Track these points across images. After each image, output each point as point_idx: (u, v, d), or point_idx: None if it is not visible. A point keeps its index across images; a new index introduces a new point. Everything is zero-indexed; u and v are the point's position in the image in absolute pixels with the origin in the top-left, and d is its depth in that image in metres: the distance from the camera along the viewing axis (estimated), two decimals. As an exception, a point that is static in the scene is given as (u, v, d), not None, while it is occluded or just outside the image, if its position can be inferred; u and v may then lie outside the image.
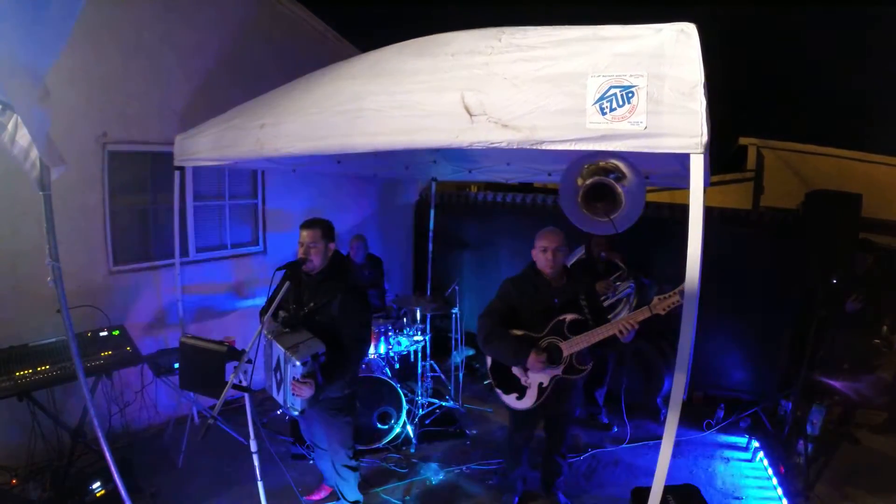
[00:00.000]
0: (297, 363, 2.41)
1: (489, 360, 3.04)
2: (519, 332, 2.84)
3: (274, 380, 2.69)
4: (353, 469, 2.95)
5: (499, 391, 3.03)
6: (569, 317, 2.78)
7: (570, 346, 2.73)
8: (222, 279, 4.73)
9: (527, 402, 2.90)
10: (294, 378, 2.46)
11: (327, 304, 2.68)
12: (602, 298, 3.33)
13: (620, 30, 1.71)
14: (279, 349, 2.54)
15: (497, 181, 5.16)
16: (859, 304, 4.10)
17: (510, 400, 2.97)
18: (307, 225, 2.74)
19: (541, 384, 2.85)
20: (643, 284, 4.13)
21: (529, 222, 5.72)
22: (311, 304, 2.71)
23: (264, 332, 2.68)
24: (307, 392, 2.47)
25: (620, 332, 2.59)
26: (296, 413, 2.61)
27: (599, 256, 4.18)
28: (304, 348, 2.48)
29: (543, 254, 2.82)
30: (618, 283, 4.09)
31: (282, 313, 2.73)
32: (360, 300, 2.78)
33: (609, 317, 2.82)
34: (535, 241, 2.87)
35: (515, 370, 2.88)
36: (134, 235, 4.16)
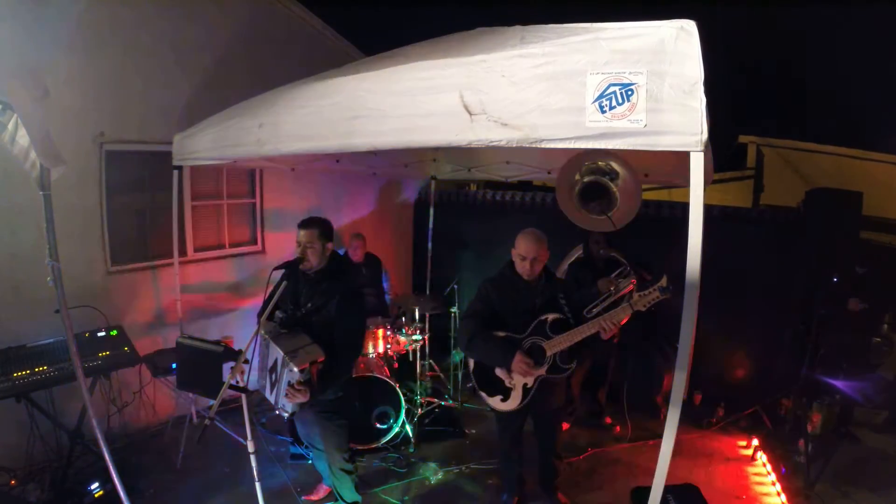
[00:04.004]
0: (296, 369, 2.39)
1: (472, 363, 3.02)
2: (501, 334, 2.81)
3: (269, 380, 2.67)
4: (350, 472, 2.94)
5: (482, 394, 3.00)
6: (550, 316, 2.77)
7: (553, 346, 2.73)
8: (221, 279, 4.72)
9: (512, 403, 2.89)
10: (290, 383, 2.44)
11: (325, 305, 2.66)
12: (605, 296, 3.31)
13: (620, 27, 1.70)
14: (278, 351, 2.51)
15: (496, 179, 5.15)
16: (863, 305, 4.10)
17: (495, 402, 2.96)
18: (304, 224, 2.72)
19: (525, 385, 2.84)
20: (644, 280, 4.12)
21: (529, 220, 5.69)
22: (309, 305, 2.69)
23: (261, 331, 2.67)
24: (301, 399, 2.45)
25: (603, 329, 2.59)
26: (286, 415, 2.59)
27: (599, 254, 4.17)
28: (304, 354, 2.45)
29: (522, 262, 2.78)
30: (620, 280, 4.07)
31: (279, 313, 2.72)
32: (358, 304, 2.77)
33: (589, 313, 2.81)
34: (515, 244, 2.82)
35: (499, 372, 2.86)
36: (132, 235, 4.15)
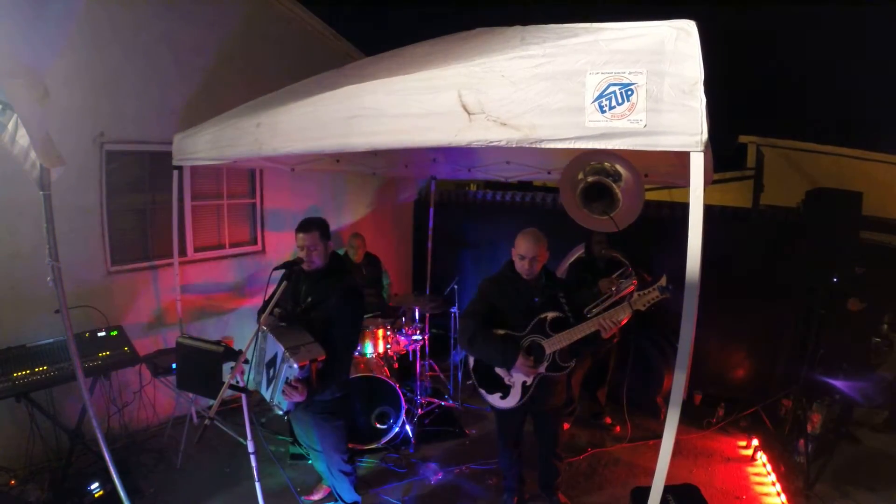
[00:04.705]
0: (296, 365, 2.36)
1: (472, 360, 3.05)
2: (501, 332, 2.83)
3: (265, 375, 2.63)
4: (348, 473, 2.93)
5: (482, 391, 3.03)
6: (550, 315, 2.78)
7: (553, 345, 2.74)
8: (221, 279, 4.72)
9: (511, 400, 2.91)
10: (287, 379, 2.42)
11: (324, 300, 2.66)
12: (605, 296, 3.34)
13: (620, 27, 1.70)
14: (278, 346, 2.49)
15: (496, 180, 5.15)
16: (863, 305, 4.10)
17: (494, 399, 2.98)
18: (305, 228, 2.69)
19: (524, 383, 2.86)
20: (645, 281, 4.12)
21: (529, 221, 5.68)
22: (309, 300, 2.69)
23: (261, 324, 2.65)
24: (298, 398, 2.43)
25: (602, 328, 2.59)
26: (280, 413, 2.56)
27: (601, 254, 4.18)
28: (305, 352, 2.42)
29: (521, 261, 2.81)
30: (621, 281, 4.08)
31: (278, 310, 2.71)
32: (357, 302, 2.77)
33: (589, 313, 2.82)
34: (515, 243, 2.84)
35: (499, 369, 2.89)
36: (132, 235, 4.15)
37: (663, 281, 2.49)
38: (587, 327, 2.65)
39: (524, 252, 2.78)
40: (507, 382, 2.90)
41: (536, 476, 3.39)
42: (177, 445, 3.73)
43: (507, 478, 3.31)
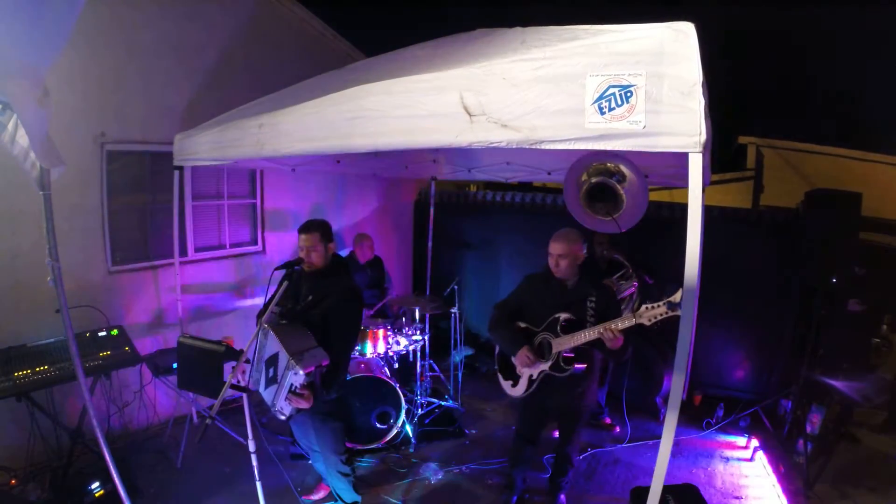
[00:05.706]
0: (302, 372, 2.32)
1: (497, 347, 3.21)
2: (522, 325, 2.98)
3: (264, 374, 2.59)
4: (347, 474, 2.93)
5: (500, 376, 3.21)
6: (563, 316, 2.82)
7: (559, 345, 2.79)
8: (221, 279, 4.73)
9: (518, 390, 3.05)
10: (293, 386, 2.39)
11: (324, 300, 2.67)
12: None
13: (619, 30, 1.71)
14: (280, 347, 2.47)
15: (497, 180, 5.16)
16: (863, 306, 4.10)
17: (506, 386, 3.15)
18: (305, 229, 2.71)
19: (530, 376, 2.96)
20: (646, 284, 4.12)
21: (529, 221, 5.71)
22: (310, 298, 2.70)
23: (262, 322, 2.65)
24: (304, 405, 2.41)
25: (603, 337, 2.56)
26: (283, 418, 2.53)
27: (602, 255, 4.18)
28: (309, 357, 2.39)
29: (550, 259, 2.92)
30: (621, 283, 4.08)
31: (278, 309, 2.71)
32: (356, 302, 2.78)
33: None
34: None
35: (513, 359, 3.00)
36: (132, 235, 4.15)
37: (677, 297, 2.22)
38: (589, 334, 2.66)
39: (551, 250, 2.90)
40: (518, 372, 3.02)
41: (538, 476, 3.38)
42: (177, 445, 3.73)
43: (511, 475, 3.32)
